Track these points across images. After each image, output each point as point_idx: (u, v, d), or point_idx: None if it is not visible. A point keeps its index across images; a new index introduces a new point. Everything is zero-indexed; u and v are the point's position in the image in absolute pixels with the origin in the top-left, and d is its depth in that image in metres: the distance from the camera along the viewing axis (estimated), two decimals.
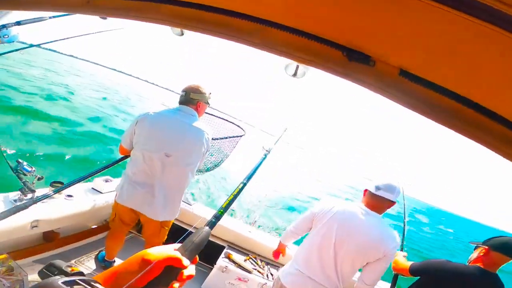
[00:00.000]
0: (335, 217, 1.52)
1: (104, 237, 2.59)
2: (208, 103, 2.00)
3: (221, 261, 2.48)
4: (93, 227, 2.50)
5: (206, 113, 2.36)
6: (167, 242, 2.30)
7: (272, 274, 2.57)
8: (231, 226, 2.82)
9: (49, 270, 0.50)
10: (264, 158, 1.82)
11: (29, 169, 1.77)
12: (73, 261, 2.19)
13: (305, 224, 1.73)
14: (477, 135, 0.48)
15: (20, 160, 1.73)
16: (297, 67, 0.64)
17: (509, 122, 0.43)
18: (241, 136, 2.46)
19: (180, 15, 0.56)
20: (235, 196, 1.14)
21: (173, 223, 2.16)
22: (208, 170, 2.44)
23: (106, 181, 2.50)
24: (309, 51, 0.51)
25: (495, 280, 1.50)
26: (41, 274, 0.50)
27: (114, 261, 2.28)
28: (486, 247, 1.55)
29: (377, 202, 1.51)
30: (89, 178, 1.95)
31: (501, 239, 1.56)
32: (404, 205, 2.83)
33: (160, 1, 0.57)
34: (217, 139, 2.30)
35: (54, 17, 1.33)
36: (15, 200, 1.73)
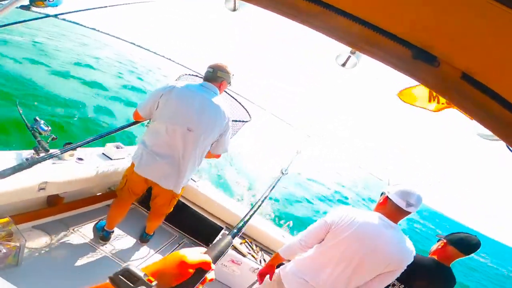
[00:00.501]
0: (357, 233, 1.40)
1: (106, 205, 2.60)
2: (230, 83, 2.06)
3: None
4: (97, 194, 2.51)
5: (226, 92, 2.41)
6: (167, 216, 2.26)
7: (265, 260, 2.63)
8: (231, 208, 2.85)
9: (127, 277, 0.50)
10: (279, 180, 2.03)
11: (46, 128, 1.74)
12: (71, 229, 2.18)
13: (317, 236, 1.55)
14: None
15: (37, 118, 1.71)
16: (349, 57, 0.64)
17: None
18: (246, 121, 2.49)
19: None
20: (255, 211, 1.39)
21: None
22: None
23: (117, 147, 2.48)
24: (373, 43, 0.51)
25: (447, 273, 1.63)
26: (117, 280, 0.49)
27: (113, 231, 2.29)
28: (445, 240, 1.66)
29: (401, 216, 1.44)
30: (100, 141, 1.95)
31: (460, 234, 1.65)
32: None
33: None
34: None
35: None
36: (27, 159, 1.69)
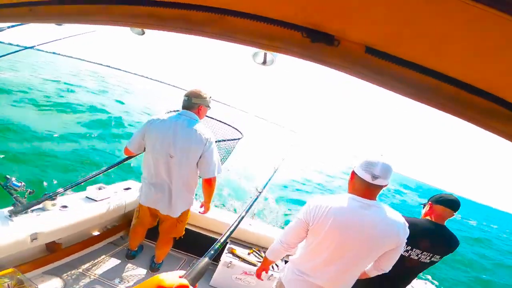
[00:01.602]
0: (336, 224, 1.28)
1: (108, 243, 2.65)
2: (208, 106, 2.15)
3: (225, 257, 2.49)
4: (95, 234, 2.51)
5: (208, 117, 2.57)
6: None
7: (277, 265, 2.59)
8: (231, 221, 2.82)
9: None
10: (255, 199, 2.08)
11: (19, 184, 1.77)
12: (80, 269, 2.22)
13: (297, 235, 1.46)
14: (444, 104, 0.47)
15: (8, 176, 1.71)
16: (265, 54, 0.61)
17: (475, 89, 0.41)
18: (239, 139, 2.64)
19: (132, 14, 0.53)
20: (231, 232, 1.40)
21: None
22: None
23: (100, 188, 2.49)
24: (271, 37, 0.48)
25: (445, 231, 1.70)
26: None
27: (137, 251, 2.58)
28: (430, 202, 1.77)
29: (374, 191, 1.30)
30: (83, 186, 2.04)
31: (440, 194, 1.76)
32: None
33: (109, 2, 0.54)
34: (217, 141, 2.43)
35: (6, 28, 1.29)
36: (9, 215, 1.74)
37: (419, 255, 1.68)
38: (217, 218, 2.84)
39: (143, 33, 0.83)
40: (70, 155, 6.78)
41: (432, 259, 1.70)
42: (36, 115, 9.58)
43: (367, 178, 1.26)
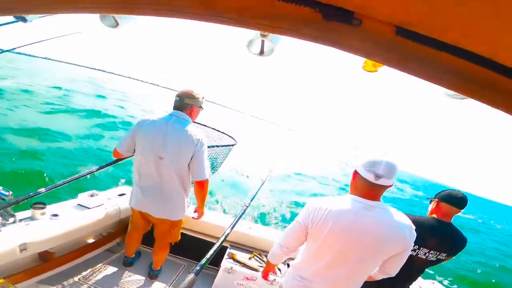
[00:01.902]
0: (336, 227, 1.21)
1: (104, 250, 2.58)
2: (201, 107, 2.08)
3: (226, 262, 2.40)
4: (90, 241, 2.44)
5: (202, 124, 2.55)
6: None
7: (279, 270, 2.49)
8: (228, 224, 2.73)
9: None
10: (243, 212, 2.14)
11: (6, 193, 1.68)
12: (76, 278, 2.15)
13: (296, 239, 1.40)
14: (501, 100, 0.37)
15: None
16: (263, 42, 0.50)
17: None
18: (233, 145, 2.62)
19: None
20: (218, 247, 1.48)
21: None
22: None
23: (92, 195, 2.42)
24: (274, 15, 0.38)
25: (451, 229, 1.68)
26: None
27: (134, 258, 2.49)
28: (436, 199, 1.73)
29: (378, 191, 1.22)
30: (72, 193, 1.91)
31: (446, 191, 1.72)
32: None
33: None
34: (211, 146, 2.45)
35: None
36: None
37: (427, 254, 1.67)
38: (216, 222, 2.75)
39: (117, 24, 0.73)
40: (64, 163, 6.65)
41: (439, 257, 1.69)
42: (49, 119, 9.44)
43: (370, 177, 1.18)
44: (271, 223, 6.60)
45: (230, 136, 2.66)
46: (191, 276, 0.94)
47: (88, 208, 2.33)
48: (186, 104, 1.98)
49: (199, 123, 2.55)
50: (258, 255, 2.58)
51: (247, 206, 2.31)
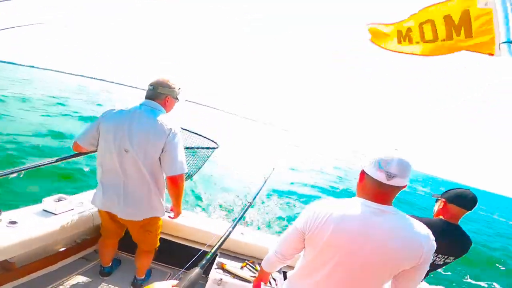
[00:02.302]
0: (338, 234, 1.03)
1: (80, 258, 2.39)
2: (177, 98, 1.92)
3: (215, 273, 2.13)
4: (62, 250, 2.22)
5: (183, 129, 2.36)
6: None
7: (274, 279, 2.22)
8: (219, 230, 2.45)
9: None
10: (245, 209, 2.03)
11: None
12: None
13: (293, 246, 1.24)
14: None
15: None
16: None
17: None
18: (214, 148, 2.50)
19: None
20: (222, 243, 1.37)
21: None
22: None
23: (59, 200, 2.15)
24: None
25: (458, 231, 1.60)
26: None
27: (111, 266, 2.28)
28: (444, 199, 1.64)
29: (390, 193, 1.05)
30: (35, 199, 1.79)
31: (455, 191, 1.64)
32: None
33: None
34: (192, 148, 2.36)
35: None
36: None
37: (434, 258, 1.60)
38: (203, 228, 2.50)
39: None
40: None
41: (446, 260, 1.64)
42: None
43: (381, 177, 1.02)
44: (266, 227, 6.27)
45: (212, 141, 2.52)
46: (197, 269, 0.90)
47: (55, 214, 2.07)
48: (159, 93, 1.80)
49: (183, 129, 2.44)
50: (251, 264, 2.32)
51: (250, 203, 2.18)
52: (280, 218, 7.03)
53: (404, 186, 1.04)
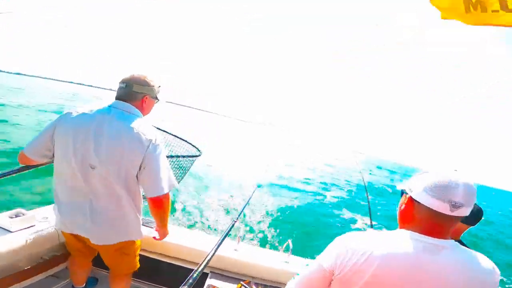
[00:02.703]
0: (383, 277, 0.81)
1: (48, 276, 2.12)
2: (157, 99, 1.61)
3: None
4: (26, 268, 1.94)
5: (164, 131, 2.15)
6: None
7: None
8: (210, 247, 2.19)
9: None
10: (231, 227, 1.90)
11: None
12: None
13: None
14: None
15: None
16: None
17: None
18: (197, 156, 2.28)
19: None
20: (208, 262, 1.33)
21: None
22: None
23: (16, 215, 1.87)
24: None
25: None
26: None
27: (86, 286, 1.99)
28: None
29: (450, 225, 0.84)
30: None
31: None
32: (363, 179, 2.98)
33: None
34: (173, 156, 2.11)
35: None
36: None
37: None
38: (191, 245, 2.19)
39: None
40: None
41: None
42: None
43: (442, 208, 0.81)
44: (263, 240, 5.68)
45: (194, 146, 2.27)
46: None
47: (10, 231, 1.80)
48: (135, 93, 1.48)
49: (159, 129, 2.14)
50: (246, 285, 2.03)
51: (235, 221, 2.04)
52: (278, 227, 6.49)
53: (466, 215, 0.83)
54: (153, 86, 1.55)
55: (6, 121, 10.71)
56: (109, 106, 1.45)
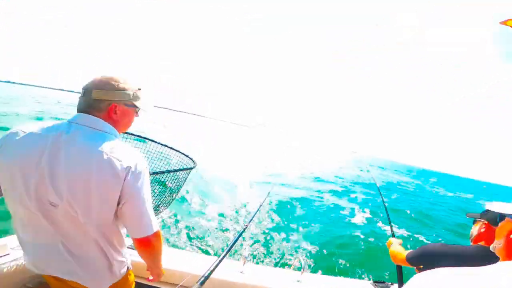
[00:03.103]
0: None
1: None
2: (134, 106, 1.20)
3: None
4: None
5: (154, 141, 1.97)
6: None
7: None
8: (192, 270, 1.94)
9: None
10: (240, 234, 1.95)
11: None
12: None
13: None
14: None
15: None
16: None
17: None
18: (190, 168, 2.04)
19: None
20: (204, 281, 1.32)
21: None
22: (155, 210, 1.85)
23: None
24: None
25: None
26: None
27: None
28: (486, 221, 1.45)
29: None
30: None
31: (496, 210, 1.46)
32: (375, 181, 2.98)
33: None
34: (164, 172, 1.92)
35: None
36: None
37: None
38: (189, 271, 1.93)
39: None
40: None
41: None
42: None
43: None
44: (271, 259, 4.68)
45: (188, 156, 2.05)
46: (196, 285, 0.94)
47: None
48: (95, 101, 1.11)
49: (148, 139, 1.95)
50: None
51: (246, 226, 2.09)
52: (282, 238, 5.65)
53: None
54: (124, 90, 1.16)
55: None
56: (69, 122, 1.09)
